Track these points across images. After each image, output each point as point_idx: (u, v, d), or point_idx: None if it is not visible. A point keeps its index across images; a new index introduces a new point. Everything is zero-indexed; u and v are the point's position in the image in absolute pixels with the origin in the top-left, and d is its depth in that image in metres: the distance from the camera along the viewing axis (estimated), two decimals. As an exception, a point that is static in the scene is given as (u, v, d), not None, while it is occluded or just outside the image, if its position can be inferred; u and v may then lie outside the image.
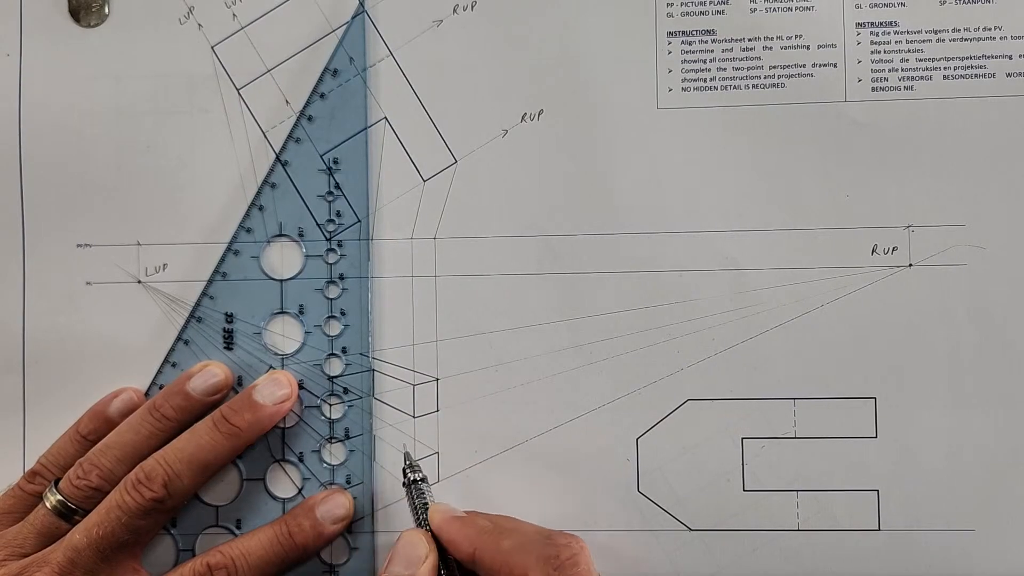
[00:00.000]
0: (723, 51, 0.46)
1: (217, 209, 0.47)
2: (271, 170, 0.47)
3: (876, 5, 0.46)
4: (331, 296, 0.46)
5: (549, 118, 0.46)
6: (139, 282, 0.47)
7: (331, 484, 0.46)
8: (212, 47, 0.47)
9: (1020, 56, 0.45)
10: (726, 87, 0.46)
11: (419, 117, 0.47)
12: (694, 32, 0.46)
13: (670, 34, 0.46)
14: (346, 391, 0.46)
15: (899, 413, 0.45)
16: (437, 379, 0.46)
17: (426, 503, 0.43)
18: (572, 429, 0.46)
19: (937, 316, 0.45)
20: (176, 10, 0.47)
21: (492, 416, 0.46)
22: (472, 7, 0.47)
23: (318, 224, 0.47)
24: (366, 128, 0.47)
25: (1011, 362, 0.45)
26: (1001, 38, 0.45)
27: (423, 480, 0.44)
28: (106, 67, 0.47)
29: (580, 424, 0.46)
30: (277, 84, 0.47)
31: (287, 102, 0.47)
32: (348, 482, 0.46)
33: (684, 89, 0.46)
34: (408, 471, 0.44)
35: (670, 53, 0.46)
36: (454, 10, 0.47)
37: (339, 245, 0.46)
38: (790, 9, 0.46)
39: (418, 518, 0.43)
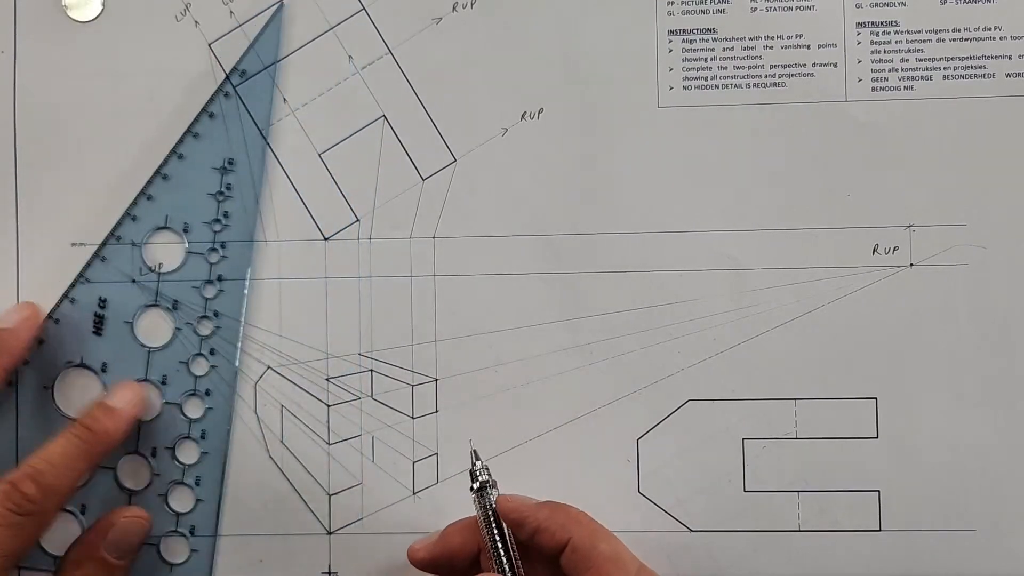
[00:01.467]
0: (724, 50, 0.46)
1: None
2: (165, 161, 0.46)
3: (876, 5, 0.46)
4: (207, 296, 0.46)
5: (549, 117, 0.46)
6: (133, 281, 0.46)
7: (180, 483, 0.46)
8: (209, 44, 0.47)
9: (1020, 56, 0.45)
10: (727, 86, 0.46)
11: (418, 115, 0.46)
12: (695, 31, 0.46)
13: (671, 32, 0.46)
14: (208, 393, 0.46)
15: (900, 413, 0.45)
16: (436, 379, 0.46)
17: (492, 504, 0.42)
18: (572, 429, 0.45)
19: (938, 316, 0.45)
20: (172, 7, 0.47)
21: (492, 417, 0.45)
22: (472, 5, 0.46)
23: (204, 222, 0.46)
24: (266, 130, 0.46)
25: (1011, 362, 0.45)
26: (1001, 38, 0.45)
27: (492, 485, 0.42)
28: (101, 64, 0.47)
29: (580, 424, 0.45)
30: (275, 82, 0.46)
31: (284, 100, 0.46)
32: (197, 483, 0.45)
33: (685, 88, 0.46)
34: (480, 473, 0.42)
35: (671, 51, 0.46)
36: (454, 8, 0.46)
37: (222, 246, 0.46)
38: (791, 8, 0.46)
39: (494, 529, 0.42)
